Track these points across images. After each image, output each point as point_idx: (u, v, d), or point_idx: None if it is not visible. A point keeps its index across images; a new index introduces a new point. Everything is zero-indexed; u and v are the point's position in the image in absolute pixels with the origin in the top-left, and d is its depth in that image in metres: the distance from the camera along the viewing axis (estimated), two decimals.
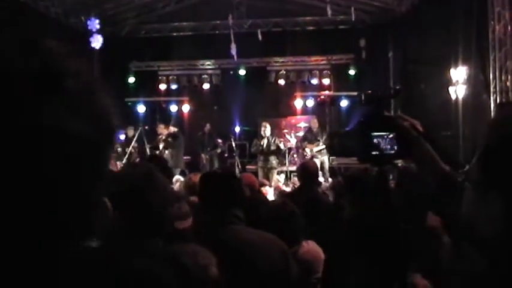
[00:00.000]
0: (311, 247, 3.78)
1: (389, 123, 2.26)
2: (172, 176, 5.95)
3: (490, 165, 1.19)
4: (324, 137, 14.39)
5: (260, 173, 13.68)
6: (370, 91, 2.36)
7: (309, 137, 14.79)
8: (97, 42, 13.61)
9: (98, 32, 13.63)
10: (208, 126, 16.34)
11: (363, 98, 2.39)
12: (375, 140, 2.26)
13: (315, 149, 14.41)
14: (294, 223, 3.72)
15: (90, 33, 13.49)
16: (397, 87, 2.67)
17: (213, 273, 2.25)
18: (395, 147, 2.25)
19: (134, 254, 1.93)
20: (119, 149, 14.00)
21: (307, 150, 14.48)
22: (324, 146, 14.38)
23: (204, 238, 2.89)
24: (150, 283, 1.86)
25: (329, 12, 14.60)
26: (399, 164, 2.54)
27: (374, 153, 2.26)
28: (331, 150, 13.51)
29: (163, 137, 14.68)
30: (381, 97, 2.35)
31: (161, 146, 14.44)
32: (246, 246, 2.92)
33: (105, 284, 1.89)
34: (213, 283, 2.20)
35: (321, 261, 3.80)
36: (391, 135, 2.25)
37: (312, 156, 14.21)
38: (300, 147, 15.33)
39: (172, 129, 14.79)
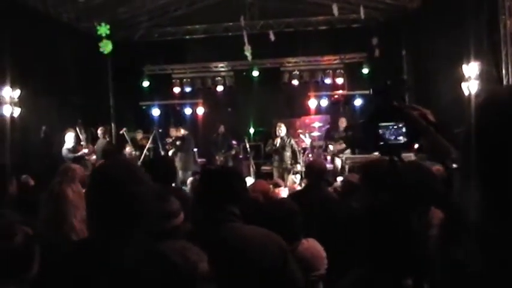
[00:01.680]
0: (311, 244, 3.79)
1: (398, 113, 2.25)
2: (175, 177, 5.98)
3: (469, 151, 1.20)
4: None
5: (275, 174, 13.66)
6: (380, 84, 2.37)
7: (334, 136, 14.76)
8: (106, 47, 13.63)
9: (108, 37, 13.69)
10: (222, 128, 16.39)
11: (371, 90, 2.41)
12: (381, 131, 2.26)
13: (338, 148, 14.41)
14: (293, 221, 3.73)
15: (101, 39, 13.55)
16: (403, 78, 2.65)
17: (203, 269, 2.27)
18: (404, 137, 2.25)
19: (117, 247, 1.96)
20: (133, 153, 14.10)
21: (330, 147, 14.48)
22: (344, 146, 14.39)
23: (202, 236, 2.92)
24: (133, 277, 1.90)
25: (335, 11, 14.56)
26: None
27: (381, 143, 2.27)
28: (346, 143, 13.57)
29: (171, 141, 14.80)
30: (388, 87, 2.35)
31: (172, 149, 14.51)
32: (244, 243, 2.95)
33: (87, 275, 1.92)
34: (202, 279, 2.22)
35: (320, 258, 3.81)
36: (399, 125, 2.24)
37: (334, 155, 14.23)
38: (315, 147, 15.34)
39: (183, 131, 14.86)
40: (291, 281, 3.05)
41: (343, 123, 14.98)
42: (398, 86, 2.46)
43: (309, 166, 6.39)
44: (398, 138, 2.25)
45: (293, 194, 6.42)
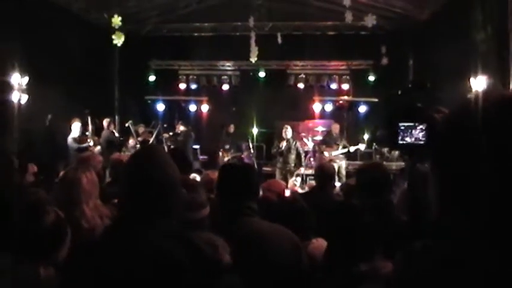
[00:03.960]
0: (320, 243, 3.84)
1: (421, 115, 2.29)
2: (192, 169, 6.05)
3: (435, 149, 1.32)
4: (343, 143, 14.48)
5: (278, 175, 13.75)
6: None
7: (328, 141, 14.81)
8: (119, 39, 13.77)
9: (120, 29, 13.77)
10: (232, 127, 16.45)
11: (399, 92, 2.48)
12: (403, 130, 2.30)
13: (334, 153, 14.43)
14: (304, 219, 3.79)
15: (113, 30, 13.64)
16: (424, 82, 2.70)
17: (226, 260, 2.31)
18: (425, 138, 2.28)
19: (148, 232, 2.00)
20: (137, 145, 14.13)
21: (326, 153, 14.47)
22: (343, 151, 14.40)
23: (221, 228, 2.97)
24: (163, 260, 1.93)
25: (349, 17, 14.56)
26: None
27: (401, 142, 2.31)
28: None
29: (168, 136, 14.88)
30: (410, 89, 2.42)
31: (169, 144, 14.58)
32: (262, 238, 2.99)
33: (119, 259, 1.95)
34: (226, 269, 2.26)
35: None
36: (421, 126, 2.28)
37: (330, 160, 14.21)
38: (317, 151, 15.35)
39: (182, 127, 14.95)
40: (304, 277, 3.09)
41: (336, 129, 15.03)
42: (417, 87, 2.51)
43: (319, 169, 6.43)
44: (418, 139, 2.29)
45: (301, 195, 6.46)
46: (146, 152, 2.26)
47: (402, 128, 2.30)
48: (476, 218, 1.15)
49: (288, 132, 13.83)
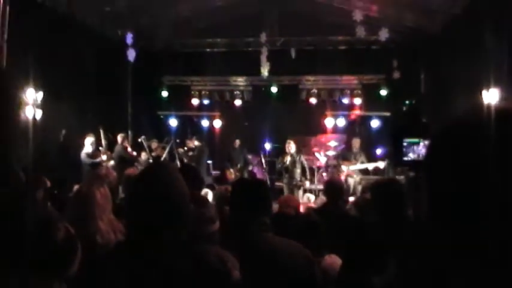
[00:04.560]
0: (334, 260, 3.84)
1: (426, 130, 2.31)
2: (203, 185, 6.05)
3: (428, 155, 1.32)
4: (362, 158, 14.43)
5: (285, 190, 13.73)
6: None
7: (347, 156, 14.76)
8: (132, 55, 13.99)
9: (132, 45, 13.99)
10: (237, 142, 16.44)
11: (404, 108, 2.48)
12: (407, 146, 2.31)
13: (351, 168, 14.37)
14: (318, 235, 3.79)
15: (127, 47, 13.83)
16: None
17: (235, 276, 2.32)
18: None
19: (154, 246, 2.01)
20: (150, 160, 14.19)
21: (344, 167, 14.43)
22: (361, 167, 14.35)
23: (234, 243, 2.98)
24: (168, 273, 1.94)
25: (362, 32, 14.58)
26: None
27: (405, 158, 2.32)
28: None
29: (183, 151, 14.96)
30: (413, 105, 2.43)
31: (183, 159, 14.68)
32: (273, 252, 3.00)
33: (121, 272, 1.97)
34: (234, 284, 2.26)
35: None
36: (425, 142, 2.29)
37: (348, 175, 14.17)
38: (330, 166, 15.30)
39: (196, 142, 15.04)
40: None
41: (357, 143, 14.98)
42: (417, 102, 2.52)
43: (328, 184, 6.42)
44: (421, 155, 2.30)
45: (312, 210, 6.45)
46: (153, 168, 2.29)
47: (405, 144, 2.32)
48: (475, 232, 1.14)
49: (291, 147, 13.84)
